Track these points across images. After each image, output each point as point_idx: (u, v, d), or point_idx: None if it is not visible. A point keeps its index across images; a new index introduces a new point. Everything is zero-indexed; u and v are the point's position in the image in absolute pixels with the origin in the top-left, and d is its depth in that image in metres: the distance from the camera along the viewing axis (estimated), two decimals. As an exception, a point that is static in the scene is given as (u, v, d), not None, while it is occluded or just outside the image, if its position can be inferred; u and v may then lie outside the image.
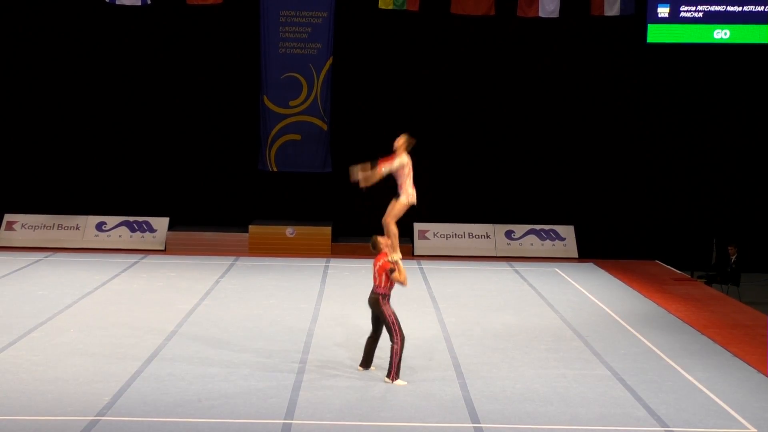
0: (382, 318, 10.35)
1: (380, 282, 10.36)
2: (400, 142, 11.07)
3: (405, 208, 11.02)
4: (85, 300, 14.31)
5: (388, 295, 10.36)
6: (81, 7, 19.86)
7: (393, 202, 11.01)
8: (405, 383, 10.27)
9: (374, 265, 10.50)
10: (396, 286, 10.53)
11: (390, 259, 10.42)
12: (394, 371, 10.27)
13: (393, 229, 10.87)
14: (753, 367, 11.41)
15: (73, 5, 19.92)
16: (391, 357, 10.29)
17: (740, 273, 17.50)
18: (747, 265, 18.14)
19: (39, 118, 20.35)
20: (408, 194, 10.96)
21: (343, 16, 19.75)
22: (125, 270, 16.91)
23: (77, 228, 19.74)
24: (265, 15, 19.48)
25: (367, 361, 10.65)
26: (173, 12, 19.73)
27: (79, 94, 20.29)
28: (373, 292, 10.43)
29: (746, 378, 10.97)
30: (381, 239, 10.56)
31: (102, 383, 10.13)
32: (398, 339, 10.27)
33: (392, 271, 10.33)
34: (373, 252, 10.59)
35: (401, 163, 10.93)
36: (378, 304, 10.32)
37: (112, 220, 19.88)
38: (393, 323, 10.28)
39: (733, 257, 17.59)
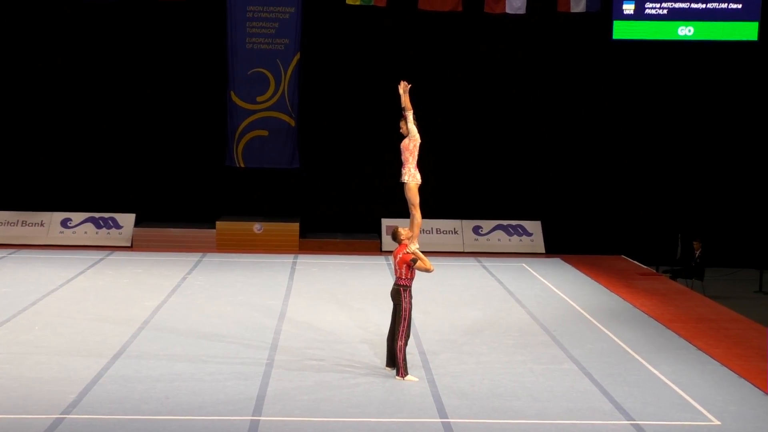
0: (398, 309, 10.36)
1: (401, 274, 10.38)
2: (411, 116, 10.99)
3: (417, 190, 11.06)
4: (50, 297, 14.17)
5: (410, 287, 10.39)
6: (49, 3, 19.64)
7: (406, 188, 10.99)
8: (416, 379, 10.33)
9: (394, 257, 10.50)
10: (418, 274, 10.55)
11: (409, 250, 10.43)
12: (401, 368, 10.33)
13: (419, 218, 10.94)
14: (717, 360, 11.54)
15: (41, 1, 19.69)
16: (396, 355, 10.34)
17: (704, 267, 17.68)
18: (711, 260, 18.34)
19: (1, 114, 20.10)
20: (411, 173, 10.97)
21: (310, 11, 19.68)
22: (91, 267, 16.77)
23: (42, 224, 19.54)
24: (232, 10, 19.36)
25: (393, 360, 10.55)
26: (140, 8, 19.57)
27: (44, 89, 20.06)
28: (395, 284, 10.46)
29: (710, 371, 11.10)
30: (402, 230, 10.56)
31: (67, 381, 10.05)
32: (403, 336, 10.32)
33: (414, 261, 10.34)
34: (394, 242, 10.63)
35: (414, 133, 10.93)
36: (399, 294, 10.35)
37: (77, 217, 19.69)
38: (405, 318, 10.33)
39: (698, 252, 17.77)
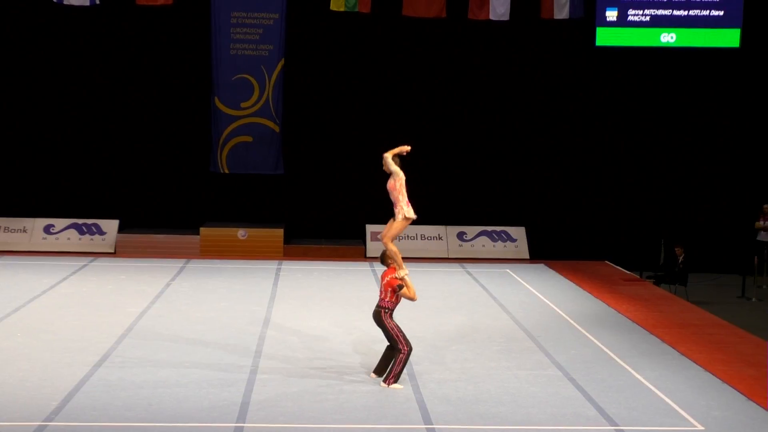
0: (384, 331, 10.38)
1: (385, 296, 10.37)
2: (389, 158, 10.56)
3: (404, 226, 10.63)
4: (32, 304, 14.09)
5: (391, 310, 10.38)
6: (28, 6, 19.57)
7: (390, 222, 10.66)
8: (401, 386, 10.31)
9: (382, 279, 10.49)
10: (403, 300, 10.53)
11: (397, 275, 10.39)
12: (392, 376, 10.30)
13: (392, 248, 10.52)
14: (700, 365, 11.59)
15: (19, 5, 19.61)
16: (394, 363, 10.30)
17: (687, 273, 17.76)
18: (694, 265, 18.42)
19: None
20: (403, 210, 10.56)
21: (294, 17, 19.70)
22: (74, 273, 16.69)
23: (24, 230, 19.44)
24: (216, 16, 19.36)
25: (381, 368, 10.53)
26: (122, 13, 19.52)
27: (25, 94, 19.97)
28: (377, 305, 10.44)
29: (694, 377, 11.14)
30: (390, 254, 10.51)
31: (50, 388, 9.99)
32: (404, 348, 10.29)
33: (400, 287, 10.32)
34: (383, 265, 10.57)
35: (397, 171, 10.52)
36: (380, 317, 10.36)
37: (60, 223, 19.60)
38: (397, 335, 10.33)
39: (681, 257, 17.84)
